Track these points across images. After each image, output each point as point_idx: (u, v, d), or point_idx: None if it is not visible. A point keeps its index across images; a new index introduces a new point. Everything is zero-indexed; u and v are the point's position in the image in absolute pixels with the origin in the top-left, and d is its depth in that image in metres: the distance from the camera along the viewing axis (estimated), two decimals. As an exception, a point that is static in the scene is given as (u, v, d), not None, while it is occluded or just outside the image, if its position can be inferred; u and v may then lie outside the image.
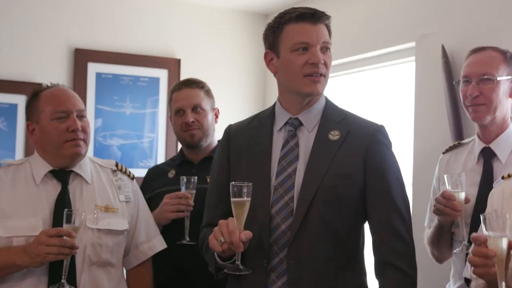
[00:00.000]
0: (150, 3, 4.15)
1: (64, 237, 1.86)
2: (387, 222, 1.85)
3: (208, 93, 2.56)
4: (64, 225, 1.90)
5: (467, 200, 2.10)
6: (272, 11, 4.40)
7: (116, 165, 2.23)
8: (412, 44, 3.28)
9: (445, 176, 2.12)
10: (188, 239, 2.32)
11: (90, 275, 2.03)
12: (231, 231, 1.70)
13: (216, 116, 2.59)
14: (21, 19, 3.77)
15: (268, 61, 1.93)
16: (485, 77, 2.14)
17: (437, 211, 2.14)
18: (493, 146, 2.19)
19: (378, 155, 1.87)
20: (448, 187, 2.09)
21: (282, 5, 4.20)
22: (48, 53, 3.84)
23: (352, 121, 1.92)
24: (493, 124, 2.19)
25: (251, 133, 1.97)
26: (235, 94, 4.39)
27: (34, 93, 2.14)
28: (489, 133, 2.20)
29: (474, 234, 1.52)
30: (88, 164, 2.16)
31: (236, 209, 1.74)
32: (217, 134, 2.60)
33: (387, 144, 1.92)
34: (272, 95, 4.41)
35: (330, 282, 1.83)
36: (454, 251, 2.22)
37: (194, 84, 2.54)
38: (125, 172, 2.23)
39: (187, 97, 2.50)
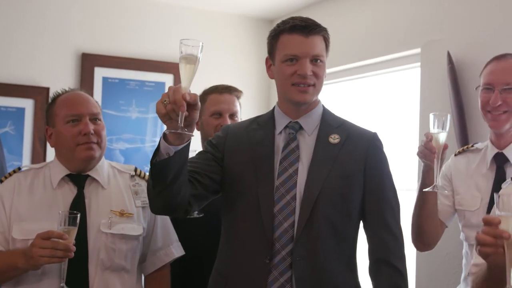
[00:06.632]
0: (156, 9, 4.17)
1: (59, 240, 1.84)
2: (383, 222, 1.95)
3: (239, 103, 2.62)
4: (58, 227, 1.88)
5: (445, 147, 2.11)
6: (277, 17, 4.41)
7: (135, 170, 2.22)
8: (418, 50, 3.30)
9: (431, 114, 2.13)
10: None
11: (103, 280, 2.02)
12: (175, 90, 1.65)
13: None
14: (29, 25, 3.80)
15: (268, 66, 2.04)
16: (509, 86, 2.15)
17: (419, 153, 2.16)
18: (506, 151, 2.20)
19: (376, 159, 1.97)
20: (432, 127, 2.10)
21: (287, 11, 4.23)
22: (55, 57, 3.87)
23: (349, 127, 2.03)
24: (509, 132, 2.20)
25: (252, 134, 2.01)
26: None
27: (53, 98, 2.17)
28: (505, 140, 2.21)
29: (486, 216, 1.48)
30: (106, 169, 2.17)
31: (184, 67, 1.68)
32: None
33: (383, 150, 2.02)
34: (276, 100, 4.42)
35: (334, 280, 1.89)
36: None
37: (234, 91, 2.61)
38: (143, 177, 2.21)
39: (228, 103, 2.56)
